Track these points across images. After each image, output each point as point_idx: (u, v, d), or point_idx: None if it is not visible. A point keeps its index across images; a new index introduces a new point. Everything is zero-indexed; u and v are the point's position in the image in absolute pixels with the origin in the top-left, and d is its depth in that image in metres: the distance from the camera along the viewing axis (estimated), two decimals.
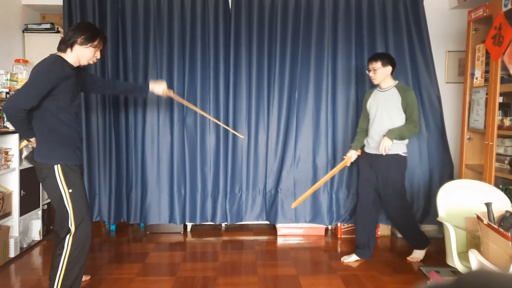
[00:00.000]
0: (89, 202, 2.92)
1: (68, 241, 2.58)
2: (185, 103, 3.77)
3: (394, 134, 3.27)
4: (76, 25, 2.66)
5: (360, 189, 3.61)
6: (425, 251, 3.61)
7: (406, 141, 3.44)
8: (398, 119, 3.36)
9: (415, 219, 3.66)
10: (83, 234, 2.61)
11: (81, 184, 2.66)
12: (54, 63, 2.50)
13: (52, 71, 2.46)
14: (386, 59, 3.38)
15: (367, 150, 3.54)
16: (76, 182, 2.60)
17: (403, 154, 3.41)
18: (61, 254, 2.58)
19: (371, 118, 3.51)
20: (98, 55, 2.68)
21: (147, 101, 4.15)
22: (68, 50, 2.57)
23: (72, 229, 2.59)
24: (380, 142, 3.31)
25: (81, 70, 2.77)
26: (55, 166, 2.54)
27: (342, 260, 3.60)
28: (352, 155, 3.62)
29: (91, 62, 2.68)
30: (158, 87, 3.25)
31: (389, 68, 3.39)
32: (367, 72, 3.51)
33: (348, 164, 3.66)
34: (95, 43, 2.60)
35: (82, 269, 2.66)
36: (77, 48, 2.57)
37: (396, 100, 3.35)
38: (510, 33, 3.06)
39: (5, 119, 2.64)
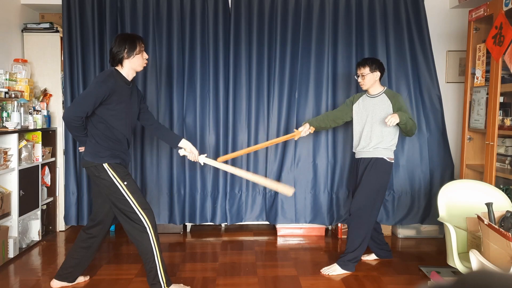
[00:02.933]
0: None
1: (148, 226, 2.79)
2: (218, 165, 3.33)
3: (405, 116, 3.13)
4: (114, 41, 2.78)
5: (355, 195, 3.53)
6: (343, 273, 3.30)
7: (394, 147, 3.35)
8: (388, 127, 3.25)
9: (366, 236, 3.32)
10: (153, 219, 2.83)
11: (132, 179, 2.85)
12: (109, 75, 2.69)
13: (105, 82, 2.65)
14: (375, 64, 3.30)
15: (356, 154, 3.46)
16: (127, 176, 2.81)
17: (389, 160, 3.30)
18: (148, 239, 2.78)
19: (358, 124, 3.41)
20: (145, 56, 2.84)
21: (146, 100, 4.14)
22: (119, 66, 2.77)
23: (143, 215, 2.78)
24: (363, 144, 3.31)
25: (139, 93, 2.99)
26: (104, 164, 2.73)
27: (362, 259, 3.56)
28: (304, 130, 3.47)
29: (145, 65, 2.87)
30: (190, 153, 3.17)
31: (377, 74, 3.31)
32: (355, 77, 3.44)
33: (296, 138, 3.59)
34: (138, 49, 2.76)
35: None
36: (126, 62, 2.75)
37: (387, 107, 3.28)
38: (511, 33, 3.05)
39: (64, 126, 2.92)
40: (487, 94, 3.38)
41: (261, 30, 4.15)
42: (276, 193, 4.22)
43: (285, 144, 4.20)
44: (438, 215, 2.88)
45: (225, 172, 4.23)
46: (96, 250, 3.06)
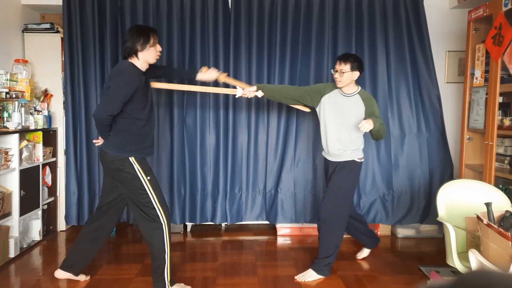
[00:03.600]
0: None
1: (164, 223, 2.83)
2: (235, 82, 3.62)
3: (378, 123, 3.00)
4: (128, 34, 2.82)
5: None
6: (318, 278, 3.22)
7: (361, 146, 3.27)
8: (356, 129, 3.13)
9: (338, 240, 3.25)
10: (168, 216, 2.88)
11: (154, 175, 2.94)
12: (133, 72, 2.75)
13: (133, 80, 2.71)
14: (356, 62, 3.12)
15: (324, 154, 3.40)
16: (150, 172, 2.89)
17: (358, 160, 3.24)
18: (162, 236, 2.81)
19: (328, 121, 3.25)
20: (159, 48, 2.88)
21: None
22: (135, 58, 2.80)
23: (161, 212, 2.83)
24: (336, 147, 3.21)
25: (147, 76, 2.99)
26: (130, 158, 2.79)
27: (356, 257, 3.62)
28: (250, 90, 3.29)
29: (158, 57, 2.91)
30: (208, 75, 3.40)
31: (356, 73, 3.14)
32: (332, 71, 3.24)
33: (237, 96, 3.38)
34: (151, 41, 2.79)
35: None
36: (141, 54, 2.79)
37: (359, 109, 3.16)
38: (510, 33, 3.06)
39: (94, 124, 2.96)
40: (487, 94, 3.38)
41: (261, 30, 4.16)
42: (276, 193, 4.22)
43: (285, 144, 4.20)
44: (437, 215, 2.89)
45: (226, 172, 4.23)
46: (102, 243, 3.12)
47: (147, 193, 2.81)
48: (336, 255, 3.26)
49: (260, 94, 3.32)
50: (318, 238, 3.30)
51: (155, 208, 2.82)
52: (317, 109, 3.35)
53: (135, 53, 2.77)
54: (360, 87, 3.27)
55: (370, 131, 3.00)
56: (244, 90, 3.32)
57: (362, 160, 3.30)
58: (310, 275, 3.22)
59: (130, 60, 2.80)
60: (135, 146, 2.82)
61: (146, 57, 2.81)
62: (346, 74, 3.12)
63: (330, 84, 3.34)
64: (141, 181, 2.81)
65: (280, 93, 3.41)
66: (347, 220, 3.32)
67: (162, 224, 2.82)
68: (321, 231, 3.24)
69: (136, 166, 2.80)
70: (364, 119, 3.07)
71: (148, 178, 2.83)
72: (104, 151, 2.85)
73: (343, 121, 3.20)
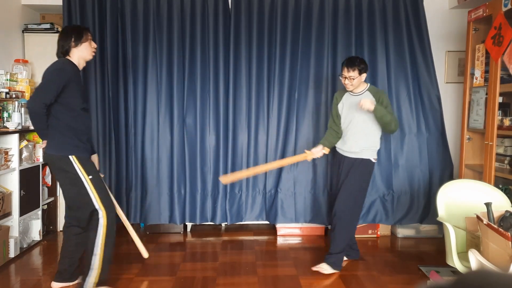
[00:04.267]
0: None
1: (102, 222, 2.80)
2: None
3: (380, 111, 3.09)
4: (60, 33, 2.86)
5: (333, 193, 3.58)
6: (331, 271, 3.30)
7: (378, 145, 3.35)
8: (372, 125, 3.25)
9: (350, 236, 3.39)
10: (112, 216, 2.85)
11: (98, 173, 2.88)
12: (67, 63, 2.76)
13: (65, 70, 2.72)
14: (362, 65, 3.19)
15: (340, 152, 3.44)
16: (93, 170, 2.83)
17: (373, 160, 3.33)
18: (96, 235, 2.79)
19: (344, 122, 3.36)
20: (94, 45, 2.90)
21: (147, 101, 4.15)
22: (69, 56, 2.81)
23: (103, 210, 2.80)
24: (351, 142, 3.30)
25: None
26: (70, 157, 2.74)
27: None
28: (317, 151, 3.41)
29: (94, 54, 2.92)
30: None
31: (364, 75, 3.23)
32: (340, 78, 3.30)
33: (309, 159, 3.48)
34: (83, 38, 2.82)
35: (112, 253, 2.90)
36: (74, 52, 2.81)
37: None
38: (510, 33, 3.06)
39: (28, 118, 3.00)
40: (486, 94, 3.38)
41: (261, 31, 4.16)
42: (276, 193, 4.23)
43: (285, 144, 4.21)
44: (437, 215, 2.89)
45: (226, 172, 4.23)
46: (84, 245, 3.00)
47: (88, 193, 2.78)
48: (345, 251, 3.40)
49: (326, 150, 3.45)
50: (330, 233, 3.41)
51: (96, 211, 2.80)
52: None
53: (67, 52, 2.79)
54: (368, 84, 3.34)
55: (376, 117, 3.15)
56: (314, 154, 3.43)
57: (376, 161, 3.38)
58: (324, 269, 3.31)
59: (69, 58, 2.82)
60: (75, 143, 2.77)
61: (81, 53, 2.82)
62: (355, 80, 3.21)
63: (339, 92, 3.49)
64: (82, 180, 2.76)
65: (331, 136, 3.47)
66: (359, 218, 3.43)
67: (100, 225, 2.81)
68: (336, 227, 3.32)
69: (77, 165, 2.75)
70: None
71: (91, 177, 2.78)
72: (46, 153, 2.81)
73: (358, 119, 3.28)
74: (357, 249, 3.64)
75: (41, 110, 2.66)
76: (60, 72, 2.70)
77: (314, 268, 3.33)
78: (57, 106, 2.71)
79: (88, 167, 2.79)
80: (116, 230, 4.32)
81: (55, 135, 2.76)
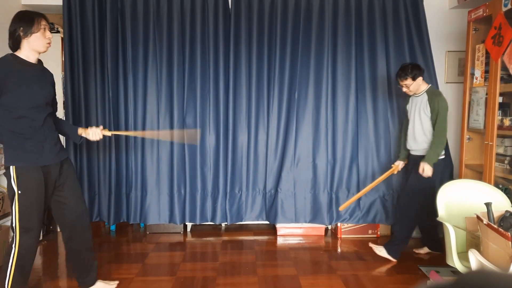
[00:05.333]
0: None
1: (14, 248, 2.49)
2: (125, 133, 3.88)
3: (433, 159, 3.32)
4: (10, 22, 2.50)
5: (401, 190, 3.83)
6: (391, 258, 3.54)
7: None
8: (429, 125, 3.42)
9: (412, 229, 3.59)
10: (28, 243, 2.51)
11: (36, 188, 2.50)
12: (2, 60, 2.45)
13: None
14: (415, 70, 3.36)
15: (410, 152, 3.64)
16: (29, 185, 2.48)
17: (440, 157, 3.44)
18: (9, 257, 2.50)
19: (410, 121, 3.58)
20: (48, 35, 2.53)
21: (147, 101, 4.15)
22: (19, 49, 2.49)
23: (17, 234, 2.48)
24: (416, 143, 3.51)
25: (49, 76, 2.68)
26: (10, 167, 2.47)
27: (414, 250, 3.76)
28: (400, 164, 3.71)
29: (48, 46, 2.56)
30: (92, 134, 2.85)
31: (420, 79, 3.39)
32: (399, 87, 3.52)
33: (395, 172, 3.75)
34: (34, 27, 2.46)
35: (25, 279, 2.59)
36: (24, 42, 2.47)
37: (425, 106, 3.41)
38: (510, 33, 3.06)
39: None
40: (486, 94, 3.39)
41: (261, 30, 4.16)
42: (276, 193, 4.23)
43: (285, 144, 4.21)
44: (437, 215, 2.89)
45: (226, 172, 4.24)
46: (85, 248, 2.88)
47: (13, 209, 2.47)
48: (407, 242, 3.58)
49: (406, 161, 3.72)
50: (393, 224, 3.79)
51: (13, 227, 2.47)
52: None
53: (17, 42, 2.46)
54: (429, 85, 3.50)
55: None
56: (399, 166, 3.73)
57: (443, 156, 3.47)
58: (380, 250, 3.58)
59: (15, 53, 2.49)
60: (16, 150, 2.47)
61: (32, 44, 2.47)
62: (411, 86, 3.40)
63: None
64: (13, 192, 2.46)
65: (403, 147, 3.74)
66: (419, 213, 3.53)
67: (12, 249, 2.48)
68: (398, 218, 3.61)
69: (14, 175, 2.45)
70: (431, 113, 3.38)
71: (20, 192, 2.45)
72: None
73: (415, 118, 3.49)
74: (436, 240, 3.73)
75: None
76: None
77: (371, 244, 3.68)
78: None
79: (24, 180, 2.46)
80: (115, 230, 4.37)
81: (3, 142, 2.51)
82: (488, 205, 2.50)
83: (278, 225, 4.31)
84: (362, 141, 4.19)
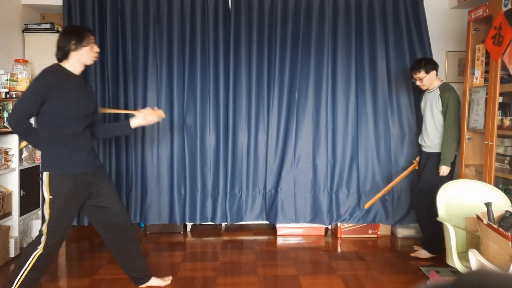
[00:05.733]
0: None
1: (38, 250, 2.56)
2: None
3: (448, 159, 3.40)
4: (61, 33, 2.64)
5: (415, 186, 3.84)
6: (431, 256, 3.58)
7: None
8: (441, 120, 3.49)
9: (432, 225, 3.56)
10: (51, 251, 2.60)
11: (67, 195, 2.58)
12: (46, 71, 2.56)
13: (42, 79, 2.52)
14: (429, 64, 3.47)
15: (422, 148, 3.70)
16: (60, 192, 2.56)
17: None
18: (29, 255, 2.56)
19: (424, 117, 3.67)
20: (96, 49, 2.68)
21: (147, 101, 4.15)
22: (67, 60, 2.60)
23: (44, 238, 2.57)
24: (430, 140, 3.59)
25: (91, 90, 2.85)
26: (44, 173, 2.56)
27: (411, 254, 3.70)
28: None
29: (95, 59, 2.71)
30: (147, 117, 2.90)
31: (433, 73, 3.49)
32: (413, 81, 3.58)
33: (417, 167, 3.86)
34: (85, 41, 2.59)
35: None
36: (73, 55, 2.58)
37: (437, 101, 3.49)
38: (510, 33, 3.06)
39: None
40: (486, 94, 3.38)
41: (261, 31, 4.16)
42: (276, 193, 4.23)
43: (285, 144, 4.21)
44: (437, 215, 2.89)
45: (226, 172, 4.24)
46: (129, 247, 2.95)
47: (44, 213, 2.58)
48: (438, 242, 3.39)
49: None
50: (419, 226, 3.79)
51: (41, 231, 2.58)
52: None
53: (66, 53, 2.57)
54: (442, 81, 3.59)
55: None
56: (416, 166, 3.90)
57: (456, 153, 3.51)
58: (422, 254, 3.60)
59: (61, 64, 2.60)
60: (54, 159, 2.56)
61: (81, 57, 2.60)
62: (424, 79, 3.50)
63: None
64: (44, 198, 2.57)
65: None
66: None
67: (35, 250, 2.56)
68: (419, 219, 3.70)
69: (46, 181, 2.54)
70: (442, 108, 3.46)
71: (51, 197, 2.54)
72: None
73: (428, 114, 3.58)
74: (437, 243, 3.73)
75: (20, 125, 2.51)
76: (38, 82, 2.51)
77: (412, 254, 3.64)
78: (40, 117, 2.53)
79: (56, 187, 2.54)
80: None
81: (41, 149, 2.63)
82: (488, 205, 2.50)
83: (278, 225, 4.31)
84: (362, 141, 4.19)
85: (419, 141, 3.76)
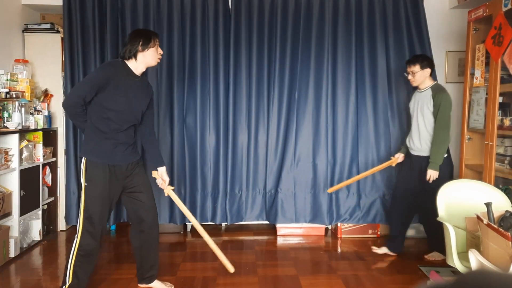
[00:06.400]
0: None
1: (76, 239, 2.67)
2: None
3: (436, 162, 3.33)
4: (129, 36, 2.75)
5: (396, 186, 3.74)
6: (442, 256, 3.49)
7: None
8: (431, 121, 3.41)
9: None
10: (88, 236, 2.65)
11: (101, 184, 2.65)
12: (109, 63, 2.70)
13: (104, 69, 2.67)
14: (425, 61, 3.40)
15: (410, 150, 3.60)
16: (95, 179, 2.65)
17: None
18: (71, 251, 2.68)
19: (412, 118, 3.58)
20: (160, 51, 2.78)
21: None
22: (132, 59, 2.69)
23: (80, 226, 2.66)
24: (418, 144, 3.50)
25: (150, 93, 2.89)
26: (83, 158, 2.68)
27: (372, 248, 3.75)
28: (400, 157, 3.70)
29: (159, 60, 2.80)
30: (160, 179, 3.01)
31: (428, 70, 3.41)
32: (405, 74, 3.53)
33: (393, 165, 3.74)
34: (151, 43, 2.69)
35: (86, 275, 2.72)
36: (140, 56, 2.68)
37: (428, 102, 3.39)
38: (510, 33, 3.06)
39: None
40: (486, 94, 3.38)
41: (261, 31, 4.16)
42: (276, 193, 4.23)
43: (285, 144, 4.21)
44: (437, 215, 2.89)
45: (226, 172, 4.24)
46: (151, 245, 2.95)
47: (80, 200, 2.68)
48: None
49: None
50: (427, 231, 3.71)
51: (78, 218, 2.67)
52: None
53: (135, 54, 2.68)
54: (435, 82, 3.49)
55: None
56: (398, 159, 3.71)
57: (446, 154, 3.45)
58: (437, 255, 3.57)
59: (125, 61, 2.70)
60: (93, 147, 2.67)
61: (147, 58, 2.70)
62: (417, 74, 3.41)
63: (414, 92, 3.66)
64: (81, 184, 2.68)
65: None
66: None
67: (75, 237, 2.67)
68: (426, 222, 3.61)
69: (83, 168, 2.66)
70: (434, 109, 3.37)
71: (86, 184, 2.64)
72: None
73: (418, 115, 3.46)
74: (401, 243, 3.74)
75: (73, 108, 2.62)
76: (99, 71, 2.68)
77: (427, 257, 3.59)
78: (92, 105, 2.64)
79: (91, 174, 2.64)
80: (115, 230, 4.36)
81: (85, 135, 2.73)
82: (488, 205, 2.49)
83: (278, 225, 4.31)
84: (362, 141, 4.19)
85: (407, 143, 3.62)
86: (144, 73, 2.84)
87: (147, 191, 2.89)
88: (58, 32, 4.25)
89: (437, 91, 3.38)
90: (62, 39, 4.19)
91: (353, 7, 4.13)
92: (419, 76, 3.41)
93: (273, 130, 4.21)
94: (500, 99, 3.28)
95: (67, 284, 2.66)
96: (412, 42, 4.12)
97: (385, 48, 4.13)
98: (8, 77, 3.79)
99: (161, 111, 4.16)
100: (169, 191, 3.01)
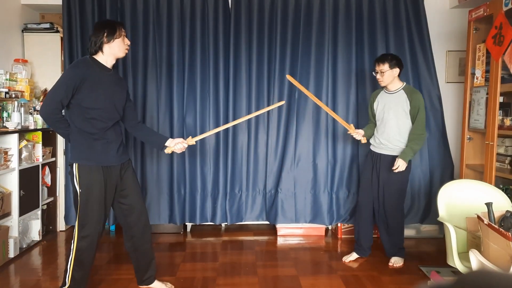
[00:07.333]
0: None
1: (73, 244, 2.62)
2: (210, 133, 3.40)
3: (409, 156, 3.25)
4: (93, 29, 2.66)
5: (361, 189, 3.61)
6: (402, 260, 3.50)
7: None
8: (405, 123, 3.33)
9: (403, 225, 3.57)
10: (86, 243, 2.61)
11: (97, 187, 2.59)
12: (78, 62, 2.58)
13: (74, 69, 2.53)
14: (394, 60, 3.32)
15: (372, 148, 3.53)
16: (90, 184, 2.57)
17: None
18: (69, 256, 2.65)
19: (378, 120, 3.48)
20: (127, 42, 2.68)
21: (146, 100, 4.14)
22: (99, 52, 2.61)
23: (76, 231, 2.61)
24: (385, 145, 3.40)
25: (124, 84, 2.82)
26: (74, 164, 2.58)
27: (343, 260, 3.59)
28: (359, 132, 3.43)
29: (126, 51, 2.70)
30: (178, 145, 2.87)
31: (396, 70, 3.33)
32: (374, 74, 3.44)
33: (350, 131, 3.41)
34: (117, 33, 2.60)
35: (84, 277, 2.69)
36: (106, 47, 2.59)
37: (404, 104, 3.31)
38: (510, 33, 3.05)
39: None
40: (487, 94, 3.38)
41: (261, 30, 4.16)
42: (276, 193, 4.22)
43: (285, 144, 4.20)
44: (438, 215, 2.88)
45: (226, 172, 4.23)
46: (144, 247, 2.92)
47: (76, 206, 2.61)
48: (402, 246, 3.55)
49: (364, 140, 3.46)
50: (388, 232, 3.51)
51: (75, 223, 2.61)
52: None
53: (100, 46, 2.58)
54: (405, 83, 3.41)
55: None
56: (356, 131, 3.42)
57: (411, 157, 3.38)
58: (398, 261, 3.47)
59: (93, 56, 2.61)
60: (82, 150, 2.57)
61: (113, 49, 2.60)
62: (386, 73, 3.32)
63: (376, 91, 3.59)
64: (76, 191, 2.58)
65: (370, 128, 3.60)
66: (403, 213, 3.58)
67: (72, 243, 2.62)
68: (393, 224, 3.45)
69: (76, 174, 2.56)
70: (410, 112, 3.29)
71: (81, 190, 2.56)
72: None
73: (390, 117, 3.36)
74: (368, 247, 3.66)
75: (52, 116, 2.52)
76: (70, 71, 2.52)
77: (391, 264, 3.48)
78: (71, 108, 2.54)
79: (85, 179, 2.56)
80: (115, 230, 4.36)
81: (71, 141, 2.63)
82: (488, 205, 2.49)
83: (278, 225, 4.30)
84: None
85: (372, 141, 3.51)
86: (115, 66, 2.75)
87: (136, 193, 2.81)
88: (57, 31, 4.25)
89: (412, 93, 3.31)
90: (62, 38, 4.19)
91: (353, 7, 4.12)
92: (388, 75, 3.31)
93: (273, 130, 4.21)
94: (500, 99, 3.27)
95: (66, 286, 2.65)
96: (412, 41, 4.12)
97: (385, 48, 4.12)
98: (8, 77, 3.79)
99: (161, 111, 4.15)
100: (191, 141, 2.92)
